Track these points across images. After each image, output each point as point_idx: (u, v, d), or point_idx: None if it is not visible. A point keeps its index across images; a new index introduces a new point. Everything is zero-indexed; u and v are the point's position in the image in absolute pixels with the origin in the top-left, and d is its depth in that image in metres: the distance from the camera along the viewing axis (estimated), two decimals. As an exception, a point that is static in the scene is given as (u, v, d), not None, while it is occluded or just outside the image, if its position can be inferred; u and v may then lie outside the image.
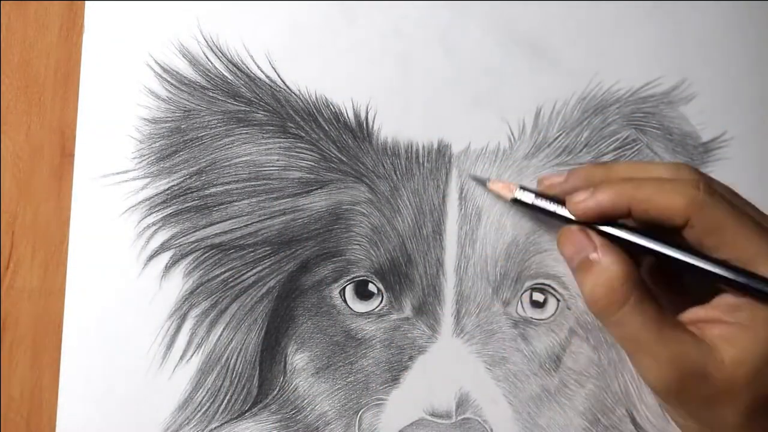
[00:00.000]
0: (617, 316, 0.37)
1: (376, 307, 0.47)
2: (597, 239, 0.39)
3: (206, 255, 0.47)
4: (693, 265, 0.37)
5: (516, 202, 0.44)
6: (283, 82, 0.48)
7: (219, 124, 0.48)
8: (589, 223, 0.40)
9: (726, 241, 0.36)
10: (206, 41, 0.49)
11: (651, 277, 0.41)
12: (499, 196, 0.45)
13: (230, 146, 0.48)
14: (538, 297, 0.47)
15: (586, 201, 0.39)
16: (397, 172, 0.48)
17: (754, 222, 0.37)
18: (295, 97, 0.48)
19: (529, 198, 0.43)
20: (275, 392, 0.47)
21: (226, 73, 0.48)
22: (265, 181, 0.47)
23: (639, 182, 0.38)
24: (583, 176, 0.41)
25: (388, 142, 0.48)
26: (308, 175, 0.47)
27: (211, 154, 0.47)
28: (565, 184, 0.42)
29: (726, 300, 0.37)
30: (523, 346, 0.46)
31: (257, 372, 0.47)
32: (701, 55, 0.51)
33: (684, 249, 0.38)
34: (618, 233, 0.39)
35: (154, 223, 0.47)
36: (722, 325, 0.37)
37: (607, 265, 0.38)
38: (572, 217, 0.41)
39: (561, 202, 0.42)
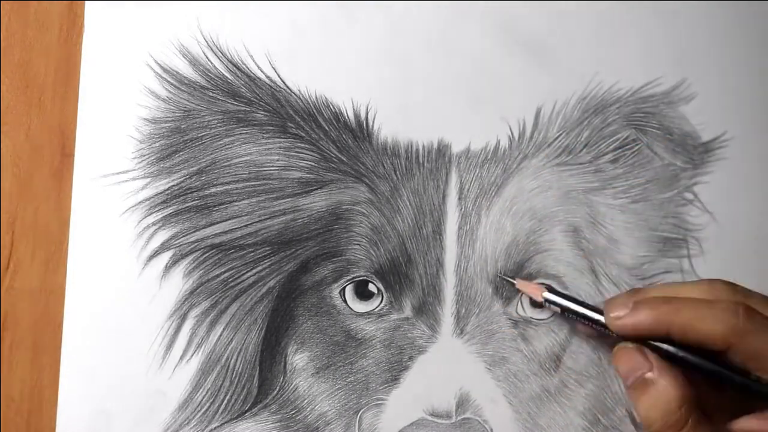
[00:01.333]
0: None
1: (376, 307, 0.47)
2: (653, 359, 0.38)
3: (206, 255, 0.47)
4: (742, 383, 0.37)
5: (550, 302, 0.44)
6: (283, 82, 0.48)
7: (219, 124, 0.48)
8: (644, 339, 0.39)
9: None
10: (206, 41, 0.49)
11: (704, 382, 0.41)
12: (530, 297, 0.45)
13: (230, 146, 0.48)
14: (538, 297, 0.47)
15: (625, 319, 0.39)
16: (397, 172, 0.48)
17: None
18: (295, 97, 0.48)
19: (558, 300, 0.43)
20: (275, 392, 0.47)
21: (226, 73, 0.48)
22: (265, 181, 0.47)
23: (678, 305, 0.38)
24: (623, 297, 0.41)
25: (388, 142, 0.48)
26: (308, 175, 0.47)
27: (211, 154, 0.47)
28: (607, 305, 0.41)
29: None
30: (523, 346, 0.46)
31: (257, 372, 0.47)
32: (701, 55, 0.51)
33: (732, 369, 0.38)
34: (673, 350, 0.38)
35: (154, 223, 0.47)
36: None
37: (664, 386, 0.37)
38: (600, 319, 0.41)
39: (591, 307, 0.42)
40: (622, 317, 0.39)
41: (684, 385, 0.37)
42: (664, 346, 0.39)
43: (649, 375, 0.38)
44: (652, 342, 0.39)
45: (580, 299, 0.43)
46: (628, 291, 0.43)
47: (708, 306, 0.37)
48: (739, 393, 0.38)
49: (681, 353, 0.38)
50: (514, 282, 0.45)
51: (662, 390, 0.37)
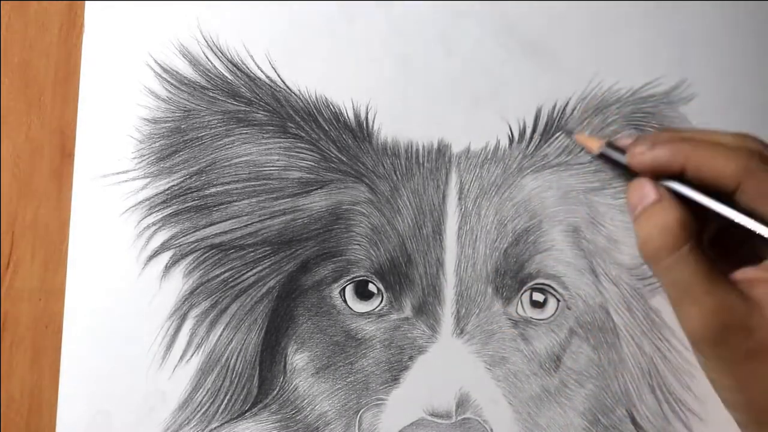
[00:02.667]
0: (668, 260, 0.37)
1: (376, 307, 0.47)
2: (662, 189, 0.39)
3: (206, 255, 0.47)
4: (746, 226, 0.38)
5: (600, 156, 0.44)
6: (283, 82, 0.48)
7: (219, 124, 0.48)
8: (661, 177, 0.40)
9: None
10: (206, 41, 0.49)
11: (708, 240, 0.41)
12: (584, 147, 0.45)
13: (230, 146, 0.48)
14: (538, 297, 0.47)
15: (644, 153, 0.39)
16: (397, 172, 0.48)
17: None
18: (295, 97, 0.48)
19: (606, 152, 0.43)
20: (275, 392, 0.47)
21: (226, 73, 0.48)
22: (265, 181, 0.47)
23: (698, 143, 0.39)
24: (649, 138, 0.42)
25: (388, 142, 0.48)
26: (308, 175, 0.47)
27: (211, 154, 0.47)
28: (631, 144, 0.42)
29: None
30: (523, 346, 0.46)
31: (257, 372, 0.47)
32: (701, 55, 0.51)
33: (740, 210, 0.38)
34: (680, 188, 0.39)
35: (154, 223, 0.47)
36: None
37: (666, 207, 0.38)
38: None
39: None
40: (642, 152, 0.39)
41: (687, 212, 0.38)
42: (676, 185, 0.39)
43: (655, 200, 0.38)
44: (667, 183, 0.39)
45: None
46: (655, 132, 0.43)
47: (725, 147, 0.38)
48: (741, 242, 0.39)
49: (691, 192, 0.38)
50: (572, 133, 0.45)
51: (665, 210, 0.38)
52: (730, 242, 0.40)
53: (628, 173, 0.42)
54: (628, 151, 0.40)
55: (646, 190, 0.39)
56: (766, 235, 0.37)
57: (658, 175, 0.39)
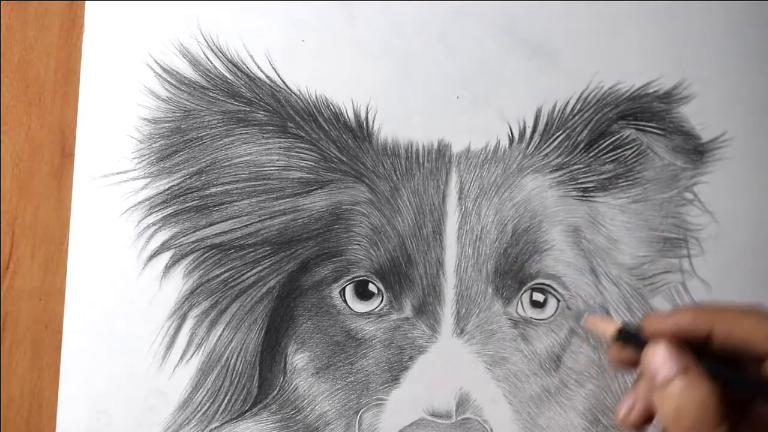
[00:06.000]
0: None
1: (376, 307, 0.47)
2: (691, 357, 0.35)
3: (206, 255, 0.47)
4: None
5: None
6: (283, 82, 0.48)
7: (219, 124, 0.48)
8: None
9: None
10: (206, 41, 0.49)
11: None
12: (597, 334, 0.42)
13: (230, 146, 0.48)
14: (538, 297, 0.47)
15: (665, 318, 0.36)
16: (397, 172, 0.48)
17: None
18: (295, 97, 0.48)
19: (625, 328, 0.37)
20: (275, 392, 0.47)
21: (226, 73, 0.48)
22: (265, 181, 0.47)
23: (724, 309, 0.36)
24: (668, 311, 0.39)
25: (388, 142, 0.48)
26: (308, 175, 0.47)
27: (211, 154, 0.47)
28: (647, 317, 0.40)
29: None
30: (523, 346, 0.46)
31: (257, 372, 0.47)
32: (701, 55, 0.51)
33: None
34: (707, 362, 0.35)
35: (154, 223, 0.47)
36: None
37: (701, 382, 0.34)
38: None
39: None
40: (662, 318, 0.36)
41: (715, 386, 0.35)
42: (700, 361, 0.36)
43: (684, 368, 0.35)
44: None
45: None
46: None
47: (752, 312, 0.36)
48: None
49: (716, 364, 0.35)
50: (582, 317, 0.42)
51: (700, 382, 0.34)
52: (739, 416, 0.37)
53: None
54: (643, 321, 0.37)
55: (669, 355, 0.35)
56: None
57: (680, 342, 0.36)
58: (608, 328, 0.36)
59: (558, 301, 0.47)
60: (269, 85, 0.48)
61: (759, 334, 0.35)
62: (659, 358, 0.36)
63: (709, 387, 0.35)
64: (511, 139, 0.49)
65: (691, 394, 0.35)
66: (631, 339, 0.36)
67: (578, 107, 0.49)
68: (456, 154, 0.48)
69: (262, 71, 0.49)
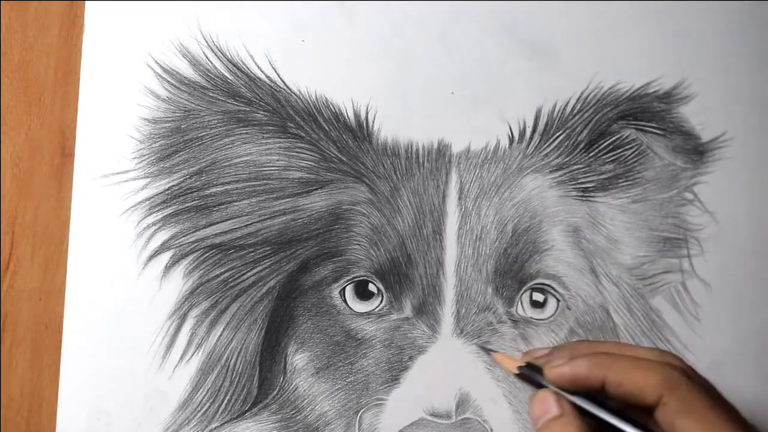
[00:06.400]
0: None
1: (376, 307, 0.47)
2: (565, 404, 0.38)
3: (206, 255, 0.47)
4: None
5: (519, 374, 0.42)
6: (283, 82, 0.48)
7: (219, 124, 0.48)
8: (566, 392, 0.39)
9: (698, 425, 0.36)
10: (206, 41, 0.49)
11: None
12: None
13: (230, 146, 0.48)
14: (538, 297, 0.47)
15: (562, 366, 0.38)
16: (397, 172, 0.48)
17: (728, 410, 0.37)
18: (295, 97, 0.48)
19: (517, 371, 0.41)
20: (275, 392, 0.47)
21: (226, 73, 0.48)
22: (265, 181, 0.47)
23: (618, 357, 0.38)
24: (567, 348, 0.41)
25: (388, 142, 0.48)
26: (308, 175, 0.47)
27: (211, 154, 0.47)
28: (549, 356, 0.41)
29: None
30: (523, 346, 0.46)
31: (257, 372, 0.47)
32: (701, 55, 0.51)
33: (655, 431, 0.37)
34: (584, 403, 0.38)
35: (154, 223, 0.47)
36: None
37: (568, 422, 0.37)
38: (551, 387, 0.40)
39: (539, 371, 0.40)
40: (560, 365, 0.39)
41: (589, 428, 0.37)
42: (580, 400, 0.38)
43: (557, 415, 0.38)
44: (571, 398, 0.38)
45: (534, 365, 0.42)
46: (570, 344, 0.43)
47: (646, 361, 0.38)
48: None
49: (595, 408, 0.37)
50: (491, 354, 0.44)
51: (566, 424, 0.37)
52: None
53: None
54: (545, 363, 0.39)
55: (548, 405, 0.38)
56: None
57: (577, 389, 0.38)
58: (512, 367, 0.40)
59: (558, 301, 0.47)
60: (269, 85, 0.48)
61: (648, 385, 0.37)
62: (538, 404, 0.38)
63: (574, 428, 0.36)
64: (511, 139, 0.49)
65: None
66: (529, 380, 0.39)
67: (578, 107, 0.49)
68: (456, 154, 0.48)
69: (262, 71, 0.49)
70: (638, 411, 0.37)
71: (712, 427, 0.35)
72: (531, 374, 0.39)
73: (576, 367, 0.38)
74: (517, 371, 0.39)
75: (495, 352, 0.43)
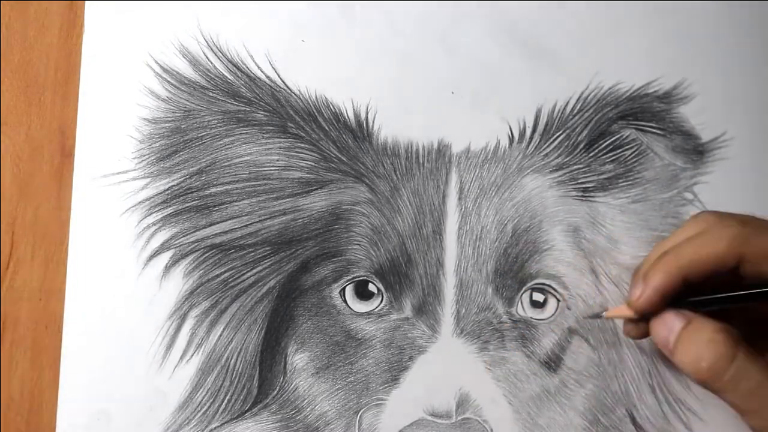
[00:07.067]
0: (730, 372, 0.35)
1: (376, 307, 0.47)
2: (687, 312, 0.37)
3: (206, 255, 0.47)
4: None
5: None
6: (283, 82, 0.48)
7: (219, 124, 0.48)
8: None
9: None
10: (206, 41, 0.49)
11: None
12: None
13: (230, 146, 0.48)
14: (538, 297, 0.47)
15: (643, 294, 0.38)
16: (397, 172, 0.48)
17: None
18: (295, 97, 0.48)
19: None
20: (275, 392, 0.47)
21: (226, 73, 0.48)
22: (265, 181, 0.47)
23: (677, 249, 0.37)
24: (640, 277, 0.40)
25: (388, 142, 0.48)
26: (308, 175, 0.47)
27: (211, 154, 0.47)
28: (634, 289, 0.41)
29: None
30: (523, 346, 0.46)
31: (257, 372, 0.47)
32: (701, 55, 0.51)
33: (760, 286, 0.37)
34: (695, 305, 0.38)
35: (154, 223, 0.47)
36: None
37: (702, 324, 0.36)
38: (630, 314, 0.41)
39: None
40: (640, 296, 0.38)
41: (724, 323, 0.36)
42: (689, 306, 0.38)
43: (685, 324, 0.37)
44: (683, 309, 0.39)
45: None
46: (636, 269, 0.43)
47: (702, 234, 0.37)
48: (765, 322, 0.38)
49: (707, 298, 0.38)
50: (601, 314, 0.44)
51: (701, 326, 0.36)
52: (759, 334, 0.38)
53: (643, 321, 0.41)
54: (627, 303, 0.40)
55: (669, 321, 0.38)
56: None
57: (672, 296, 0.38)
58: (626, 311, 0.41)
59: (558, 301, 0.47)
60: (269, 85, 0.48)
61: (720, 249, 0.37)
62: (660, 327, 0.38)
63: (711, 326, 0.36)
64: (511, 139, 0.49)
65: (698, 338, 0.36)
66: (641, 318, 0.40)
67: (578, 107, 0.49)
68: (456, 154, 0.48)
69: (262, 71, 0.49)
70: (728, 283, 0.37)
71: None
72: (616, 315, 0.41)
73: (655, 285, 0.38)
74: (632, 315, 0.40)
75: (599, 315, 0.44)
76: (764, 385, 0.35)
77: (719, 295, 0.38)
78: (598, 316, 0.45)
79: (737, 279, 0.37)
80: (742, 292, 0.37)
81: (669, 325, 0.38)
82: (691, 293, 0.39)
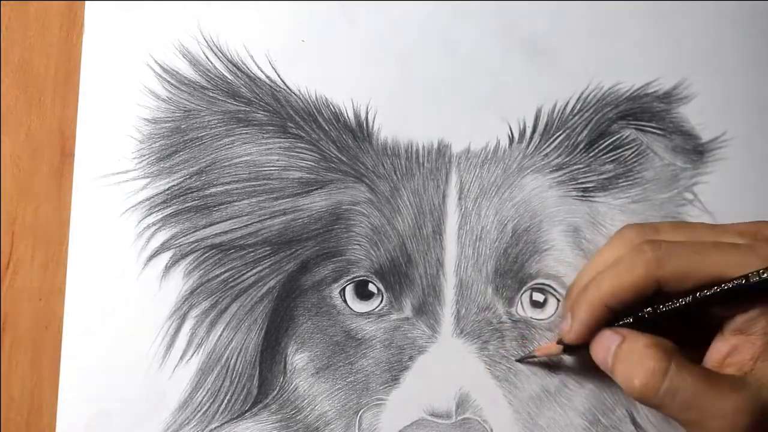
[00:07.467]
0: (664, 387, 0.34)
1: (376, 307, 0.47)
2: (621, 329, 0.38)
3: (206, 255, 0.47)
4: (699, 300, 0.36)
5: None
6: (283, 82, 0.48)
7: (219, 124, 0.48)
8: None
9: (701, 271, 0.35)
10: (206, 41, 0.49)
11: None
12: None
13: (230, 146, 0.48)
14: (538, 297, 0.47)
15: (572, 328, 0.39)
16: (397, 172, 0.48)
17: (711, 241, 0.37)
18: (295, 97, 0.48)
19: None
20: (275, 392, 0.47)
21: (226, 73, 0.48)
22: (265, 181, 0.47)
23: (598, 280, 0.38)
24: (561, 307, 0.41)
25: (388, 142, 0.48)
26: (308, 175, 0.47)
27: (211, 154, 0.48)
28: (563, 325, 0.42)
29: (734, 325, 0.37)
30: (523, 346, 0.46)
31: (257, 372, 0.47)
32: (701, 55, 0.51)
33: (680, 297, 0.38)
34: (629, 321, 0.39)
35: (154, 223, 0.47)
36: (748, 346, 0.36)
37: (632, 339, 0.36)
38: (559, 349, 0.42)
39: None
40: (569, 330, 0.39)
41: (656, 337, 0.36)
42: (624, 322, 0.39)
43: (619, 342, 0.37)
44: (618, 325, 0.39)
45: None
46: (562, 303, 0.45)
47: (620, 261, 0.37)
48: (695, 329, 0.38)
49: (639, 314, 0.38)
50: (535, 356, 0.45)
51: (632, 342, 0.36)
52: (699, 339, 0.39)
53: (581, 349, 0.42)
54: (558, 335, 0.41)
55: (606, 340, 0.38)
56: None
57: (600, 325, 0.39)
58: (553, 348, 0.43)
59: (558, 301, 0.47)
60: (269, 85, 0.48)
61: (638, 277, 0.38)
62: (597, 346, 0.39)
63: (643, 341, 0.36)
64: (511, 139, 0.49)
65: (629, 355, 0.36)
66: (573, 349, 0.41)
67: (578, 107, 0.49)
68: (456, 154, 0.48)
69: (262, 71, 0.49)
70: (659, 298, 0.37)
71: (712, 266, 0.37)
72: (570, 347, 0.41)
73: (582, 319, 0.38)
74: (560, 351, 0.41)
75: (532, 356, 0.45)
76: (700, 395, 0.34)
77: (647, 310, 0.38)
78: (531, 356, 0.45)
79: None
80: (669, 307, 0.38)
81: (606, 345, 0.38)
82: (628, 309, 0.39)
